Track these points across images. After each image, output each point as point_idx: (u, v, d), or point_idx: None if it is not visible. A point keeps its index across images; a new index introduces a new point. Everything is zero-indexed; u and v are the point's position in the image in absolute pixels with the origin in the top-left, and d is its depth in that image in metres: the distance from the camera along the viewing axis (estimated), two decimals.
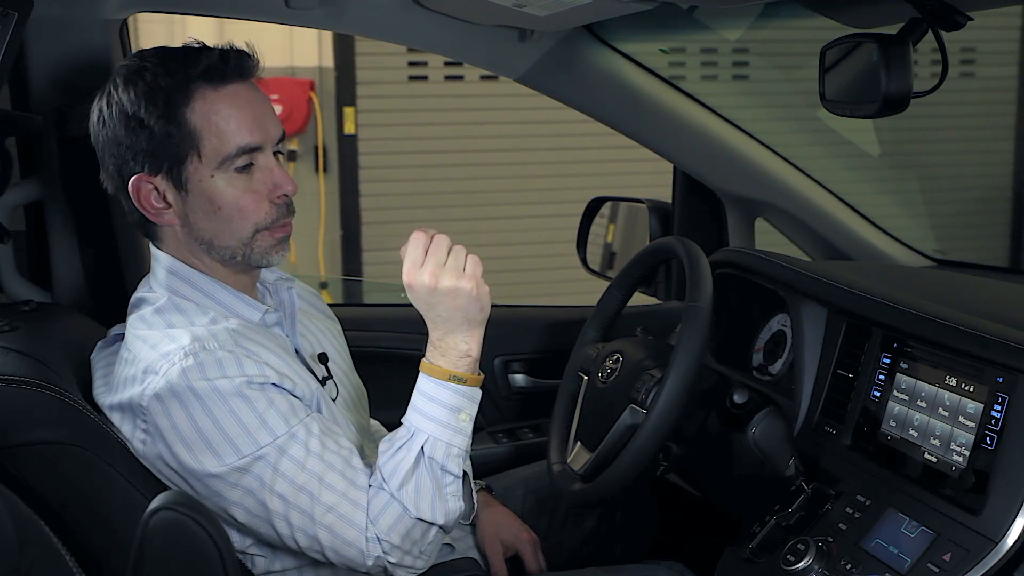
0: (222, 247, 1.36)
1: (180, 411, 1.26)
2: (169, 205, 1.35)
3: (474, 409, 1.37)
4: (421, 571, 1.36)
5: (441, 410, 1.34)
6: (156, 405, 1.26)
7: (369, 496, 1.31)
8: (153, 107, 1.29)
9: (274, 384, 1.30)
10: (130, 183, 1.33)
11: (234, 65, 1.32)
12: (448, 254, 1.32)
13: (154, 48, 1.36)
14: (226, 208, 1.33)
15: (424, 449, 1.33)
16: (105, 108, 1.32)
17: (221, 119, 1.31)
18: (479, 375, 1.38)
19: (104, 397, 1.35)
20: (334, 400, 1.46)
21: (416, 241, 1.32)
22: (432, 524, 1.33)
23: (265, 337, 1.38)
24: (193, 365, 1.26)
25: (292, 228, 1.41)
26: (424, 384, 1.36)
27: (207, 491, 1.29)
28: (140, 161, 1.32)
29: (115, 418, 1.32)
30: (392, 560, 1.31)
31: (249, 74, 1.36)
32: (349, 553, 1.30)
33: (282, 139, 1.39)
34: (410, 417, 1.36)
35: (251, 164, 1.34)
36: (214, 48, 1.34)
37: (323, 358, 1.50)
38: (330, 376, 1.49)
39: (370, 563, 1.31)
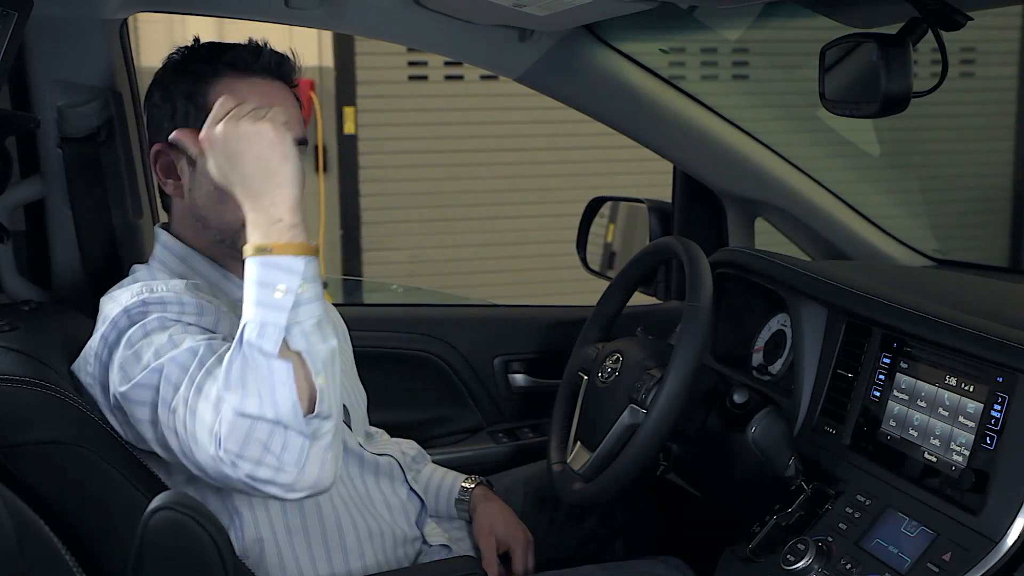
0: (213, 228, 1.42)
1: (117, 345, 1.29)
2: (179, 177, 1.42)
3: (294, 280, 1.18)
4: (289, 484, 1.17)
5: (252, 289, 1.19)
6: (100, 344, 1.31)
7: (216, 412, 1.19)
8: (181, 84, 1.40)
9: (205, 327, 1.31)
10: (152, 150, 1.43)
11: (265, 61, 1.40)
12: (256, 109, 1.23)
13: (201, 43, 1.46)
14: (222, 190, 1.30)
15: (243, 336, 1.18)
16: (153, 83, 1.45)
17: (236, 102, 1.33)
18: (297, 242, 1.21)
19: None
20: None
21: (221, 103, 1.24)
22: (261, 419, 1.14)
23: (231, 303, 1.38)
24: (136, 302, 1.31)
25: None
26: (244, 270, 1.22)
27: (128, 415, 1.27)
28: (164, 131, 1.40)
29: (78, 372, 1.36)
30: (245, 472, 1.15)
31: (281, 74, 1.43)
32: (204, 462, 1.19)
33: (298, 144, 1.37)
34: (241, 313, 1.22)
35: None
36: (249, 43, 1.42)
37: None
38: None
39: (221, 473, 1.18)
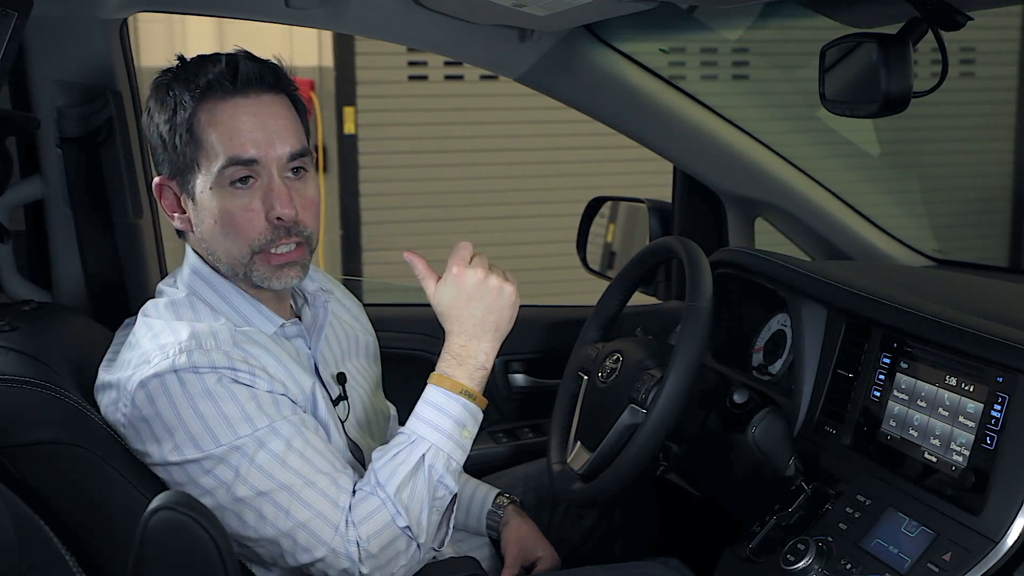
0: (223, 262, 1.36)
1: (163, 400, 1.25)
2: (184, 211, 1.37)
3: (475, 429, 1.35)
4: None
5: (448, 422, 1.32)
6: (140, 394, 1.26)
7: (356, 499, 1.28)
8: (164, 114, 1.33)
9: (267, 391, 1.29)
10: (154, 183, 1.39)
11: (244, 77, 1.31)
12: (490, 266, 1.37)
13: (194, 57, 1.37)
14: (221, 222, 1.32)
15: (425, 457, 1.30)
16: (144, 111, 1.38)
17: (218, 130, 1.31)
18: (484, 398, 1.38)
19: (103, 373, 1.36)
20: (343, 421, 1.44)
21: (463, 246, 1.37)
22: (414, 539, 1.29)
23: (277, 346, 1.37)
24: (185, 360, 1.26)
25: (301, 252, 1.36)
26: (434, 395, 1.34)
27: (181, 478, 1.27)
28: (161, 164, 1.37)
29: (103, 395, 1.33)
30: (364, 571, 1.27)
31: (267, 86, 1.33)
32: (319, 554, 1.26)
33: (296, 157, 1.34)
34: (413, 425, 1.33)
35: (250, 178, 1.32)
36: (224, 58, 1.32)
37: (341, 378, 1.49)
38: (345, 397, 1.48)
39: (341, 566, 1.27)
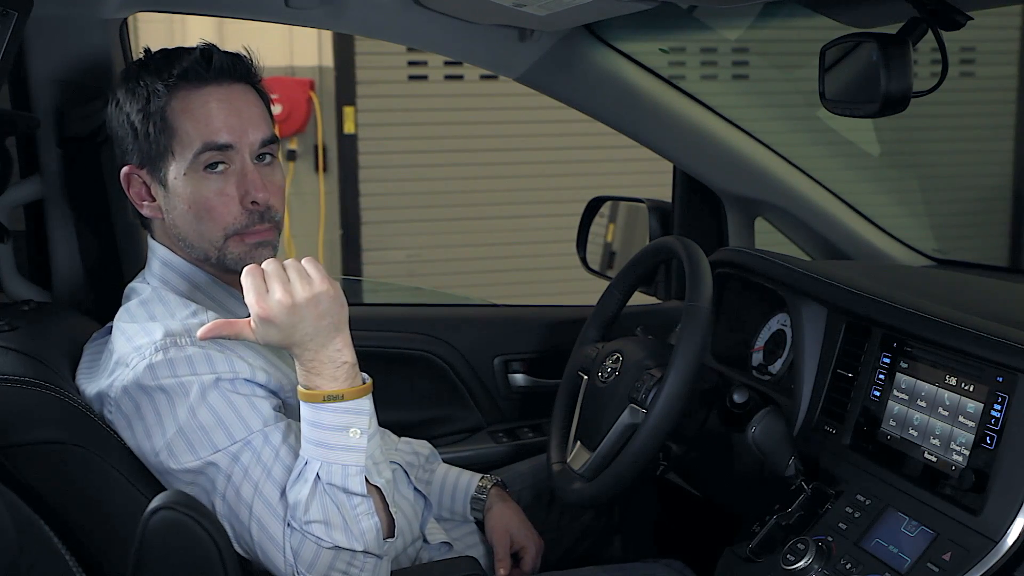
0: (195, 247, 1.38)
1: (146, 405, 1.27)
2: (154, 199, 1.39)
3: (364, 421, 1.26)
4: None
5: (325, 433, 1.24)
6: (123, 397, 1.28)
7: (286, 535, 1.25)
8: (137, 104, 1.35)
9: (244, 379, 1.30)
10: (122, 173, 1.39)
11: (217, 66, 1.35)
12: (285, 271, 1.22)
13: (160, 49, 1.40)
14: (195, 207, 1.35)
15: (320, 476, 1.24)
16: (111, 102, 1.39)
17: (192, 117, 1.34)
18: (363, 383, 1.28)
19: (84, 383, 1.37)
20: None
21: (249, 274, 1.22)
22: (348, 550, 1.25)
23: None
24: (162, 361, 1.27)
25: (273, 234, 1.39)
26: (305, 413, 1.25)
27: (165, 482, 1.29)
28: (130, 153, 1.38)
29: (93, 404, 1.34)
30: None
31: (238, 76, 1.38)
32: (276, 567, 1.25)
33: (267, 144, 1.38)
34: (302, 449, 1.27)
35: (222, 164, 1.35)
36: (196, 48, 1.37)
37: None
38: None
39: None
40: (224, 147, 1.34)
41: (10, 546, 0.94)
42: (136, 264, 1.77)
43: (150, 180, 1.38)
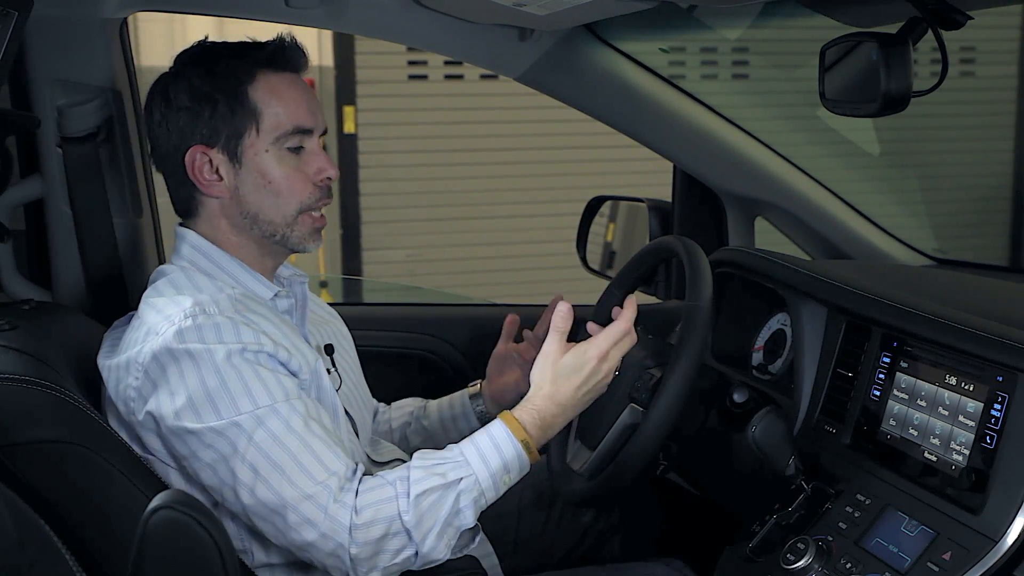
0: (266, 222, 1.43)
1: (172, 367, 1.29)
2: (221, 178, 1.42)
3: (516, 479, 1.36)
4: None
5: (498, 460, 1.33)
6: (151, 362, 1.30)
7: (372, 484, 1.29)
8: (222, 83, 1.40)
9: (268, 354, 1.32)
10: (187, 154, 1.41)
11: (291, 57, 1.45)
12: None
13: (219, 41, 1.47)
14: (276, 182, 1.42)
15: (462, 481, 1.31)
16: (172, 84, 1.42)
17: (282, 99, 1.42)
18: (539, 455, 1.39)
19: (105, 359, 1.38)
20: (337, 390, 1.46)
21: (618, 333, 1.45)
22: (412, 543, 1.28)
23: (272, 314, 1.41)
24: (191, 327, 1.30)
25: (325, 223, 1.49)
26: (498, 430, 1.35)
27: (184, 449, 1.30)
28: (201, 134, 1.41)
29: (110, 377, 1.35)
30: (353, 552, 1.27)
31: (302, 68, 1.48)
32: (309, 536, 1.27)
33: (325, 132, 1.50)
34: (465, 449, 1.34)
35: (301, 147, 1.43)
36: (279, 37, 1.46)
37: (329, 349, 1.54)
38: (335, 367, 1.52)
39: (328, 548, 1.27)
40: (308, 131, 1.44)
41: (10, 544, 0.94)
42: (136, 264, 1.78)
43: (221, 158, 1.41)
